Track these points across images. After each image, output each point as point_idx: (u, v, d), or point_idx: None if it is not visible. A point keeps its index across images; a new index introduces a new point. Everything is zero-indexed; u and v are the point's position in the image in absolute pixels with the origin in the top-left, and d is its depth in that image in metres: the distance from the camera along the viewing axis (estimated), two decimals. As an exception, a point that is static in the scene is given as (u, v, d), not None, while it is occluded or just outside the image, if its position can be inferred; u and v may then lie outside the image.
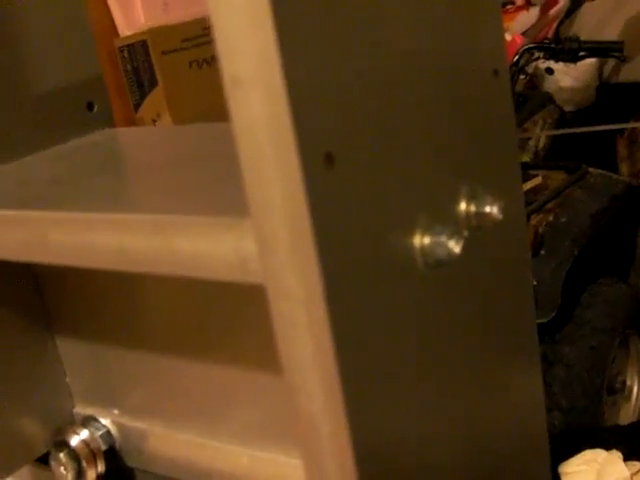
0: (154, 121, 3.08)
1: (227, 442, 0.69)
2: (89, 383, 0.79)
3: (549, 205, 2.50)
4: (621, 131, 3.43)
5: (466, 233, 0.49)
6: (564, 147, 3.14)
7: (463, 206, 0.49)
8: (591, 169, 2.73)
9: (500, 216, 0.48)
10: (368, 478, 0.41)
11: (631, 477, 1.78)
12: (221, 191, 0.48)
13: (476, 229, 0.49)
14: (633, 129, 3.41)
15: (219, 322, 0.68)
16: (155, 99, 3.06)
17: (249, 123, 0.38)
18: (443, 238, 0.44)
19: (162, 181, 0.55)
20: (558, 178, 2.65)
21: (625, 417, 2.64)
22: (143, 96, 3.11)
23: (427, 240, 0.45)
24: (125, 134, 0.74)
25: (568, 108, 3.49)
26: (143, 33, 3.04)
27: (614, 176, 2.92)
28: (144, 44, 3.03)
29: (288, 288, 0.39)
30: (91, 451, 0.76)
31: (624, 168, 3.46)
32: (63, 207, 0.51)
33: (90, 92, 0.75)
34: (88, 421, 0.78)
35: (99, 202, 0.52)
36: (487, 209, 0.48)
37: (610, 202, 2.65)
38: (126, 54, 3.10)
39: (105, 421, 0.78)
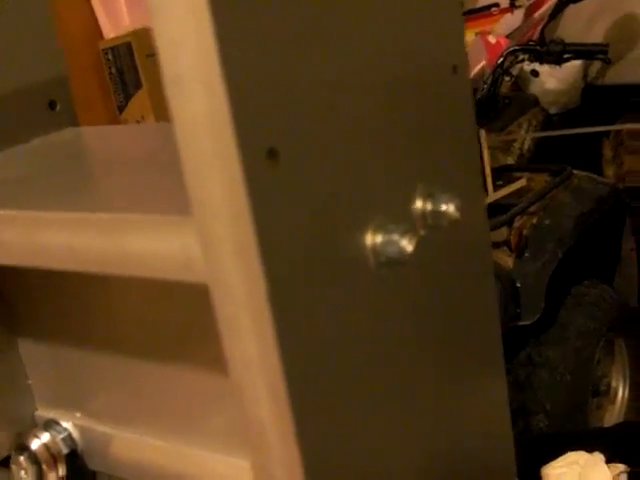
0: (138, 122, 3.07)
1: (191, 446, 0.68)
2: (51, 386, 0.78)
3: (533, 207, 2.50)
4: (607, 133, 3.43)
5: (422, 232, 0.48)
6: (549, 149, 3.14)
7: (419, 204, 0.48)
8: (576, 171, 2.73)
9: (457, 215, 0.47)
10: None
11: (613, 479, 1.78)
12: (175, 190, 0.47)
13: (433, 228, 0.48)
14: (618, 131, 3.41)
15: (184, 326, 0.67)
16: (139, 101, 3.06)
17: (189, 120, 0.37)
18: (395, 236, 0.43)
19: (117, 180, 0.55)
20: (542, 180, 2.65)
21: (610, 419, 2.64)
22: (127, 98, 3.10)
23: (379, 238, 0.44)
24: (88, 133, 0.73)
25: (553, 110, 3.49)
26: (127, 35, 3.04)
27: (599, 178, 2.92)
28: (128, 46, 3.03)
29: (231, 289, 0.39)
30: (52, 455, 0.75)
31: (609, 171, 3.46)
32: (14, 206, 0.50)
33: (52, 91, 0.73)
34: (50, 424, 0.77)
35: (51, 201, 0.51)
36: (443, 207, 0.47)
37: (595, 204, 2.65)
38: (110, 56, 3.09)
39: (67, 424, 0.77)
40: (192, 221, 0.39)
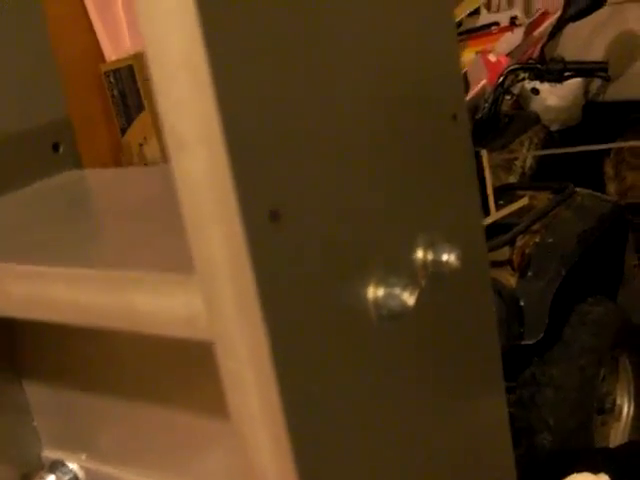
0: (141, 145, 3.09)
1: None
2: (57, 427, 0.78)
3: (536, 226, 2.50)
4: (608, 151, 3.43)
5: (423, 282, 0.48)
6: (551, 167, 3.14)
7: (420, 254, 0.48)
8: (578, 189, 2.73)
9: (458, 264, 0.48)
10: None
11: (619, 501, 1.78)
12: (179, 244, 0.48)
13: (434, 277, 0.49)
14: (620, 148, 3.42)
15: (187, 369, 0.67)
16: (142, 123, 3.07)
17: (191, 181, 0.38)
18: (397, 290, 0.44)
19: (120, 232, 0.55)
20: (545, 198, 2.65)
21: (615, 436, 2.63)
22: (130, 120, 3.11)
23: (381, 292, 0.44)
24: (91, 176, 0.73)
25: (554, 128, 3.49)
26: (129, 58, 3.05)
27: (601, 196, 2.93)
28: (130, 69, 3.05)
29: (234, 346, 0.39)
30: (58, 496, 0.76)
31: (611, 188, 3.46)
32: (20, 258, 0.51)
33: (56, 133, 0.74)
34: (56, 465, 0.77)
35: (54, 254, 0.52)
36: (444, 257, 0.48)
37: (597, 222, 2.65)
38: (112, 79, 3.11)
39: (73, 465, 0.77)
40: (196, 280, 0.39)
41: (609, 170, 3.48)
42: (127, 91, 3.10)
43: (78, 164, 0.75)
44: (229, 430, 0.66)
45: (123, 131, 3.15)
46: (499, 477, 0.61)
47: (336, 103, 0.43)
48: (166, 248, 0.47)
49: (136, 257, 0.47)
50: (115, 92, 3.13)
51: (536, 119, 3.28)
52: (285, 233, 0.39)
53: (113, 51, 3.15)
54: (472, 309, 0.53)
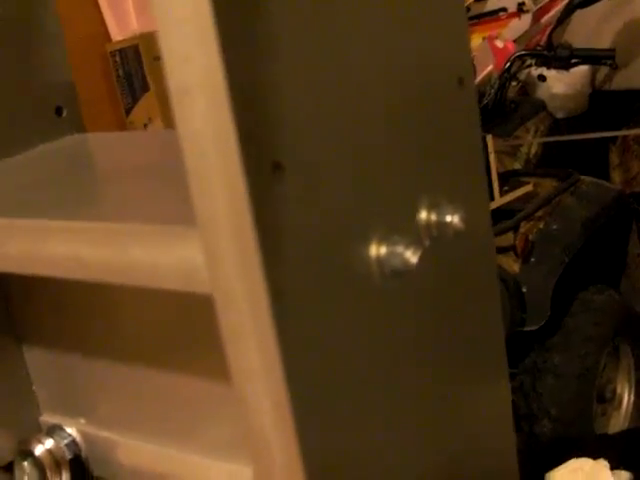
0: (145, 125, 3.08)
1: (194, 453, 0.68)
2: (56, 392, 0.78)
3: (540, 212, 2.50)
4: (614, 139, 3.42)
5: (427, 243, 0.48)
6: (556, 154, 3.13)
7: (423, 215, 0.48)
8: (583, 177, 2.72)
9: (462, 226, 0.47)
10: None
11: (617, 486, 1.78)
12: (181, 200, 0.47)
13: (438, 239, 0.48)
14: (625, 137, 3.41)
15: (188, 332, 0.67)
16: (147, 103, 3.06)
17: (194, 131, 0.37)
18: (400, 248, 0.44)
19: (122, 189, 0.55)
20: (549, 185, 2.64)
21: (615, 426, 2.63)
22: (135, 100, 3.11)
23: (383, 250, 0.44)
24: (93, 140, 0.73)
25: (560, 115, 3.47)
26: (135, 38, 3.05)
27: (606, 184, 2.92)
28: (136, 49, 3.04)
29: (234, 299, 0.39)
30: (55, 460, 0.75)
31: (616, 176, 3.45)
32: (19, 214, 0.51)
33: (59, 97, 0.74)
34: (54, 430, 0.77)
35: (56, 210, 0.51)
36: (448, 218, 0.47)
37: (601, 210, 2.64)
38: (118, 59, 3.10)
39: (71, 430, 0.77)
40: (196, 233, 0.39)
41: (614, 159, 3.47)
42: (132, 71, 3.09)
43: (81, 129, 0.75)
44: (230, 396, 0.65)
45: (128, 111, 3.15)
46: (500, 453, 0.60)
47: (344, 61, 0.42)
48: (168, 203, 0.47)
49: (137, 212, 0.47)
50: (120, 72, 3.12)
51: (542, 106, 3.27)
52: (288, 186, 0.39)
53: (119, 31, 3.14)
54: (475, 272, 0.52)
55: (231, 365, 0.40)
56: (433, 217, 0.48)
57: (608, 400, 2.63)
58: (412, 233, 0.47)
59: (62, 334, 0.75)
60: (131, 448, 0.72)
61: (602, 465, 1.81)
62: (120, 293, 0.68)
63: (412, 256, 0.43)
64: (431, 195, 0.48)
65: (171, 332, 0.67)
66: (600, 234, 2.60)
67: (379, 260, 0.44)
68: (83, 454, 0.77)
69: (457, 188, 0.50)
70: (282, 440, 0.40)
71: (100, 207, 0.51)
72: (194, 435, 0.69)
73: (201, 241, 0.39)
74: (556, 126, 3.26)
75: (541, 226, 2.48)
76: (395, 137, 0.46)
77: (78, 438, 0.76)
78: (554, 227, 2.49)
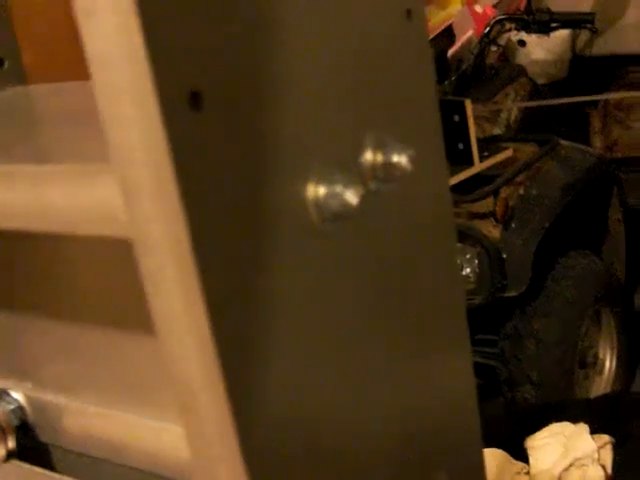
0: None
1: (148, 417, 0.65)
2: (0, 355, 0.75)
3: (520, 177, 2.48)
4: (595, 104, 3.40)
5: (373, 186, 0.45)
6: (536, 121, 3.12)
7: (368, 155, 0.44)
8: (563, 142, 2.71)
9: (410, 167, 0.44)
10: (254, 446, 0.38)
11: (598, 450, 1.77)
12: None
13: (384, 182, 0.45)
14: (606, 102, 3.39)
15: (132, 291, 0.63)
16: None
17: (103, 58, 0.34)
18: (339, 188, 0.40)
19: (49, 135, 0.51)
20: (529, 151, 2.63)
21: (597, 391, 2.63)
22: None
23: (322, 191, 0.41)
24: (35, 90, 0.69)
25: (541, 81, 3.46)
26: None
27: (586, 148, 2.90)
28: None
29: (154, 241, 0.35)
30: (1, 427, 0.72)
31: (597, 142, 3.44)
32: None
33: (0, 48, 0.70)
34: (-1, 395, 0.74)
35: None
36: (395, 159, 0.44)
37: (582, 175, 2.63)
38: None
39: (17, 395, 0.74)
40: (111, 169, 0.36)
41: (595, 124, 3.45)
42: None
43: (22, 80, 0.71)
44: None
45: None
46: (462, 415, 0.58)
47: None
48: (93, 146, 0.43)
49: (56, 154, 0.43)
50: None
51: (522, 71, 3.24)
52: (208, 119, 0.35)
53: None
54: (428, 220, 0.49)
55: (153, 312, 0.37)
56: (379, 157, 0.45)
57: (590, 365, 2.62)
58: (354, 173, 0.43)
59: (6, 294, 0.71)
60: (81, 412, 0.69)
61: (582, 429, 1.80)
62: (62, 249, 0.65)
63: (352, 197, 0.40)
64: (377, 132, 0.45)
65: (119, 289, 0.64)
66: (581, 199, 2.59)
67: (317, 202, 0.41)
68: (30, 420, 0.74)
69: (406, 126, 0.47)
70: (210, 394, 0.37)
71: (18, 152, 0.47)
72: (147, 397, 0.66)
73: (116, 179, 0.36)
74: (536, 91, 3.24)
75: (521, 191, 2.46)
76: (336, 68, 0.43)
77: (24, 403, 0.73)
78: (534, 192, 2.48)
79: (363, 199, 0.41)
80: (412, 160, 0.44)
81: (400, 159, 0.44)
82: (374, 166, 0.44)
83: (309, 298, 0.41)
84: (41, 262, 0.67)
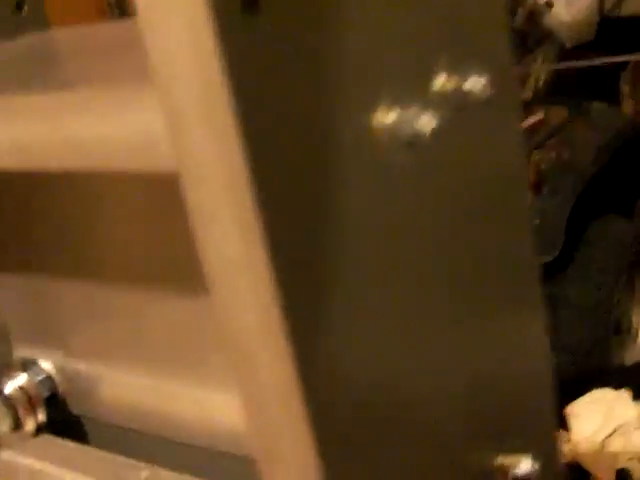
0: None
1: (186, 385, 0.60)
2: (29, 323, 0.70)
3: (551, 142, 2.42)
4: (624, 68, 3.33)
5: (446, 114, 0.39)
6: (565, 83, 3.05)
7: (441, 80, 0.39)
8: (594, 104, 2.65)
9: (484, 94, 0.39)
10: (320, 411, 0.33)
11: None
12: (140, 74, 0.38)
13: (457, 110, 0.40)
14: (636, 65, 3.32)
15: (174, 249, 0.58)
16: None
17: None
18: (412, 114, 0.35)
19: (74, 71, 0.46)
20: (560, 114, 2.57)
21: (631, 358, 2.58)
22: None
23: (392, 117, 0.35)
24: (57, 34, 0.64)
25: (569, 43, 3.38)
26: None
27: (618, 111, 2.84)
28: None
29: (205, 172, 0.30)
30: (29, 398, 0.68)
31: (627, 106, 3.37)
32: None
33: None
34: (27, 365, 0.69)
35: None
36: (470, 84, 0.39)
37: (614, 137, 2.57)
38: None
39: (47, 365, 0.69)
40: (152, 93, 0.31)
41: (625, 87, 3.38)
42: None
43: (43, 25, 0.66)
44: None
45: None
46: (534, 368, 0.53)
47: None
48: (120, 78, 0.38)
49: (79, 85, 0.38)
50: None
51: (550, 35, 3.17)
52: (265, 23, 0.30)
53: None
54: (500, 154, 0.44)
55: (204, 259, 0.31)
56: (452, 83, 0.39)
57: (624, 332, 2.58)
58: (427, 99, 0.38)
59: (34, 258, 0.66)
60: (114, 382, 0.64)
61: (624, 395, 1.75)
62: (93, 200, 0.60)
63: (427, 124, 0.35)
64: (450, 56, 0.39)
65: (154, 248, 0.59)
66: (613, 162, 2.53)
67: (387, 129, 0.35)
68: (60, 391, 0.69)
69: (481, 52, 0.41)
70: (270, 344, 0.31)
71: (38, 85, 0.42)
72: (185, 364, 0.61)
73: (158, 103, 0.30)
74: (564, 54, 3.17)
75: (553, 155, 2.40)
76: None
77: (54, 373, 0.69)
78: (566, 156, 2.42)
79: (435, 129, 0.36)
80: (487, 87, 0.39)
81: (476, 85, 0.38)
82: (447, 92, 0.39)
83: (376, 237, 0.36)
84: (68, 217, 0.62)
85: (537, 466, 0.48)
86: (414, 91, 0.37)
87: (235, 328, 0.32)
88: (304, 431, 0.32)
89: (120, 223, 0.60)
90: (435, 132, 0.35)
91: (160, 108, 0.31)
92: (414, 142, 0.35)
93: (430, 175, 0.39)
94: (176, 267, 0.58)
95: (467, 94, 0.39)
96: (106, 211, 0.60)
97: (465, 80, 0.39)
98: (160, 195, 0.56)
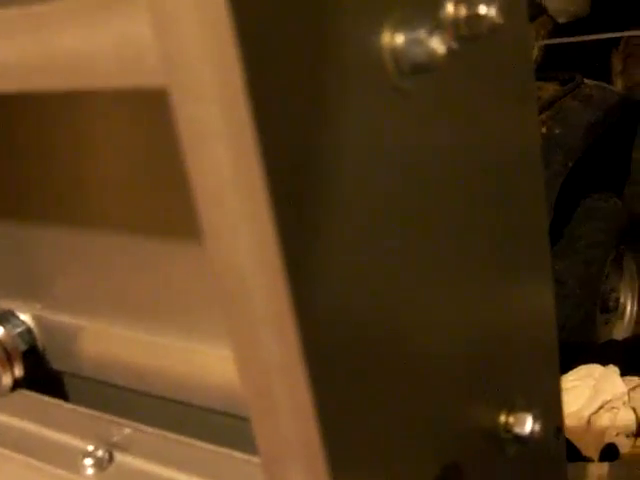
0: None
1: (172, 337, 0.58)
2: (6, 272, 0.67)
3: (542, 116, 2.40)
4: (616, 45, 3.32)
5: (455, 44, 0.36)
6: (557, 60, 3.03)
7: (450, 7, 0.36)
8: (586, 80, 2.63)
9: (499, 19, 0.36)
10: (322, 350, 0.30)
11: (628, 392, 1.70)
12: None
13: (468, 39, 0.37)
14: (628, 42, 3.31)
15: (159, 197, 0.56)
16: None
17: None
18: (422, 34, 0.32)
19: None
20: (552, 89, 2.55)
21: (618, 335, 2.58)
22: None
23: (401, 39, 0.33)
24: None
25: (562, 19, 3.36)
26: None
27: (609, 87, 2.83)
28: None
29: (199, 84, 0.27)
30: (6, 352, 0.65)
31: (619, 82, 3.37)
32: None
33: None
34: (5, 317, 0.66)
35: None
36: (482, 10, 0.36)
37: (605, 114, 2.56)
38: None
39: (25, 317, 0.66)
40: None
41: (617, 64, 3.37)
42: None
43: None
44: (204, 268, 0.55)
45: None
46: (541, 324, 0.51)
47: None
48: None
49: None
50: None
51: (543, 10, 3.15)
52: None
53: None
54: (511, 87, 0.41)
55: (196, 181, 0.29)
56: (463, 10, 0.36)
57: (611, 309, 2.57)
58: (438, 23, 0.35)
59: (11, 204, 0.63)
60: (96, 335, 0.62)
61: (612, 371, 1.74)
62: (71, 147, 0.57)
63: (439, 45, 0.32)
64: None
65: (138, 194, 0.56)
66: (604, 139, 2.52)
67: (395, 51, 0.32)
68: (39, 344, 0.66)
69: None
70: (268, 283, 0.29)
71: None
72: (170, 317, 0.58)
73: (148, 7, 0.27)
74: (557, 30, 3.15)
75: (544, 130, 2.38)
76: None
77: (33, 326, 0.66)
78: (557, 131, 2.41)
79: (445, 55, 0.33)
80: (501, 11, 0.36)
81: (488, 10, 0.36)
82: (457, 20, 0.36)
83: (381, 165, 0.33)
84: (48, 157, 0.59)
85: (540, 426, 0.46)
86: (424, 13, 0.34)
87: (227, 258, 0.29)
88: (298, 368, 0.30)
89: (103, 165, 0.57)
90: (445, 58, 0.32)
91: (147, 13, 0.28)
92: (426, 65, 0.32)
93: (441, 104, 0.36)
94: (162, 214, 0.55)
95: (478, 20, 0.36)
96: (89, 151, 0.57)
97: (476, 5, 0.36)
98: (145, 135, 0.53)
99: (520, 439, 0.45)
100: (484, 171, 0.41)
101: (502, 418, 0.45)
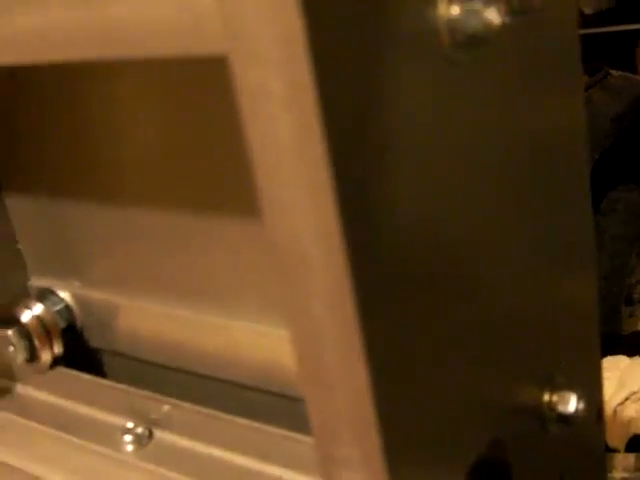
0: None
1: (207, 316, 0.58)
2: (46, 250, 0.67)
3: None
4: (642, 36, 3.28)
5: (508, 18, 0.36)
6: (583, 50, 2.99)
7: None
8: (613, 71, 2.60)
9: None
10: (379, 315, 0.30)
11: (654, 384, 1.69)
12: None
13: (518, 15, 0.37)
14: (655, 34, 3.27)
15: (201, 172, 0.56)
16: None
17: None
18: (478, 5, 0.32)
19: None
20: (578, 80, 2.52)
21: (642, 329, 2.56)
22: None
23: (456, 10, 0.33)
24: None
25: (588, 10, 3.33)
26: None
27: (635, 77, 2.80)
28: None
29: (261, 48, 0.27)
30: (46, 329, 0.65)
31: (644, 76, 3.32)
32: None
33: None
34: (44, 294, 0.67)
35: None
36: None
37: (632, 105, 2.52)
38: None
39: (64, 294, 0.66)
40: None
41: (642, 57, 3.33)
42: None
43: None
44: (246, 246, 0.55)
45: None
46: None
47: None
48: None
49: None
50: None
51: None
52: None
53: None
54: (558, 64, 0.41)
55: (253, 145, 0.29)
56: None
57: (636, 302, 2.55)
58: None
59: (52, 181, 0.64)
60: (136, 312, 0.62)
61: (638, 362, 1.73)
62: (111, 122, 0.57)
63: (496, 16, 0.32)
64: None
65: (179, 169, 0.56)
66: (631, 130, 2.49)
67: (450, 22, 0.32)
68: (78, 322, 0.67)
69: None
70: (329, 254, 0.29)
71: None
72: (210, 294, 0.58)
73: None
74: (583, 21, 3.12)
75: (570, 121, 2.36)
76: None
77: (72, 303, 0.66)
78: (583, 122, 2.38)
79: (499, 27, 0.33)
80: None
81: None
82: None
83: (434, 137, 0.33)
84: (88, 132, 0.59)
85: (584, 406, 0.46)
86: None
87: (286, 230, 0.29)
88: (355, 343, 0.30)
89: (143, 143, 0.57)
90: (499, 31, 0.32)
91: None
92: (480, 37, 0.32)
93: (491, 79, 0.36)
94: (198, 192, 0.55)
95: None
96: (129, 128, 0.57)
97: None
98: (184, 113, 0.53)
99: (564, 418, 0.45)
100: (533, 149, 0.41)
101: (546, 396, 0.45)
